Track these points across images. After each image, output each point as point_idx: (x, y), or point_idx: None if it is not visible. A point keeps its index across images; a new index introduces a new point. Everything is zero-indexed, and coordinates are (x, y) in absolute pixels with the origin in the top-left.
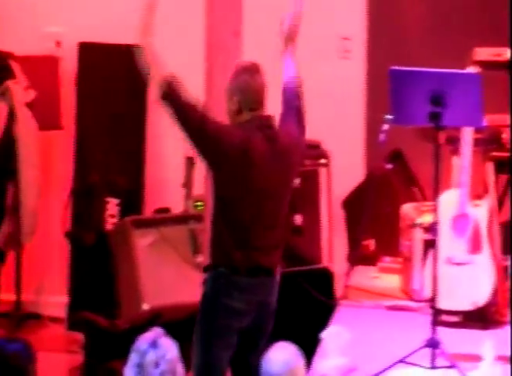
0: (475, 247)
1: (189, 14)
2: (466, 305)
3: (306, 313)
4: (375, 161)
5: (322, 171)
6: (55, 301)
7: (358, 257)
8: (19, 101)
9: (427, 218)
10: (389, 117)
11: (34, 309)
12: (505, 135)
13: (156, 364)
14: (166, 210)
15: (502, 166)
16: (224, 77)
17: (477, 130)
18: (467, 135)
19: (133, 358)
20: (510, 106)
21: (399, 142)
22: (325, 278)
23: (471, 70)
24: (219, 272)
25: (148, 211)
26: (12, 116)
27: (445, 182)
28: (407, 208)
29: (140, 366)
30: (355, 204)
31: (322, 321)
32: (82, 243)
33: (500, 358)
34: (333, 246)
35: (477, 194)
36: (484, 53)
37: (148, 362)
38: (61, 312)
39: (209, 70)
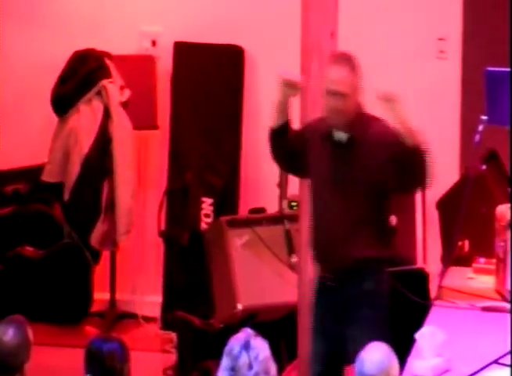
0: None
1: (285, 15)
2: None
3: (401, 314)
4: (470, 162)
5: None
6: (149, 300)
7: (452, 258)
8: (115, 100)
9: None
10: (485, 117)
11: (129, 309)
12: None
13: (250, 366)
14: (261, 210)
15: None
16: (319, 77)
17: None
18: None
19: (226, 361)
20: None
21: (494, 142)
22: (420, 279)
23: None
24: (382, 267)
25: (243, 211)
26: (107, 115)
27: None
28: (502, 209)
29: (234, 370)
30: (449, 204)
31: (417, 322)
32: (177, 242)
33: None
34: (428, 247)
35: None
36: None
37: (241, 365)
38: (155, 311)
39: (305, 72)
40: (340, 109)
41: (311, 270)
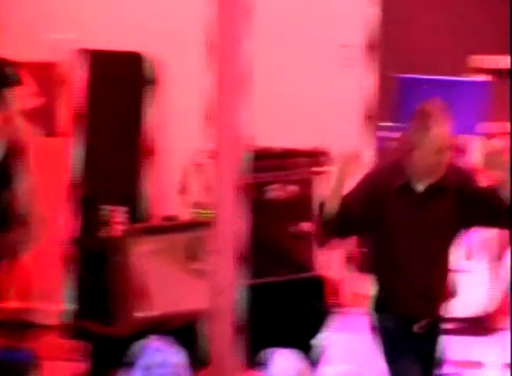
0: (475, 254)
1: (190, 21)
2: (465, 312)
3: (301, 320)
4: None
5: (327, 177)
6: (50, 308)
7: (357, 263)
8: (18, 108)
9: None
10: (390, 124)
11: (32, 318)
12: None
13: (162, 367)
14: (173, 217)
15: None
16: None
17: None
18: (468, 142)
19: (136, 369)
20: (510, 113)
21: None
22: (318, 285)
23: (477, 77)
24: None
25: (155, 219)
26: (8, 123)
27: None
28: None
29: (147, 369)
30: None
31: (316, 328)
32: (88, 250)
33: (501, 365)
34: (336, 253)
35: None
36: (483, 61)
37: (154, 364)
38: (57, 320)
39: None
40: (448, 162)
41: (225, 277)
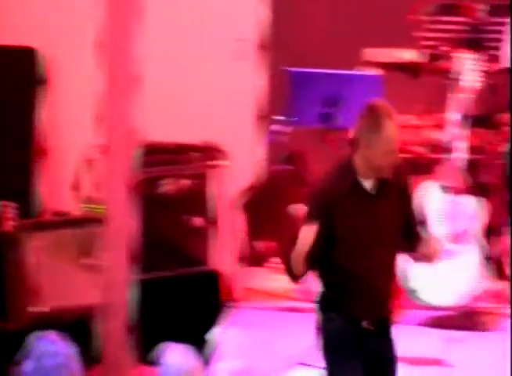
0: None
1: (80, 16)
2: None
3: (195, 315)
4: (275, 163)
5: (220, 172)
6: None
7: (250, 258)
8: None
9: None
10: (281, 117)
11: None
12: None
13: (53, 357)
14: (65, 213)
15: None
16: (121, 77)
17: None
18: None
19: (31, 352)
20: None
21: (300, 143)
22: (212, 280)
23: (368, 70)
24: None
25: (46, 215)
26: None
27: None
28: (304, 209)
29: (38, 359)
30: (252, 205)
31: (210, 322)
32: None
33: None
34: (229, 247)
35: None
36: (377, 54)
37: (45, 354)
38: None
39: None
40: (396, 161)
41: (118, 273)
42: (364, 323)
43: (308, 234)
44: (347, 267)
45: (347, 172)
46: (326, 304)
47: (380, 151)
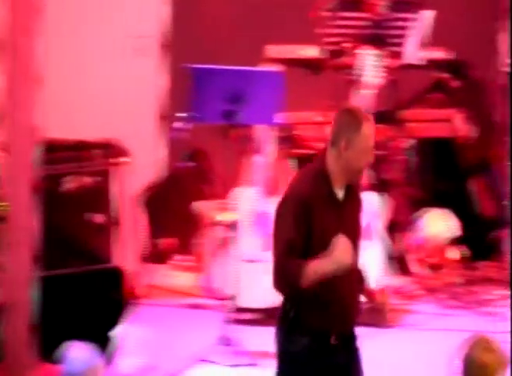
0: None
1: None
2: (263, 302)
3: (98, 312)
4: (177, 160)
5: (121, 169)
6: None
7: (152, 255)
8: None
9: (225, 216)
10: (183, 114)
11: None
12: (298, 133)
13: None
14: None
15: (303, 163)
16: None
17: (279, 128)
18: (262, 132)
19: None
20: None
21: (202, 140)
22: (115, 277)
23: (271, 67)
24: None
25: None
26: None
27: (242, 179)
28: (206, 206)
29: None
30: (154, 202)
31: (113, 320)
32: None
33: None
34: (132, 244)
35: (277, 191)
36: (279, 51)
37: None
38: None
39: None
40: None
41: (20, 270)
42: (332, 339)
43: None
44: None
45: (320, 178)
46: (291, 325)
47: (359, 150)
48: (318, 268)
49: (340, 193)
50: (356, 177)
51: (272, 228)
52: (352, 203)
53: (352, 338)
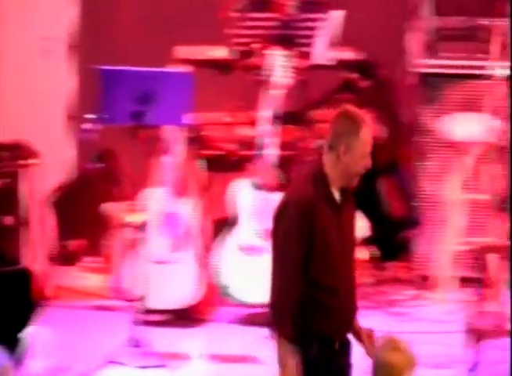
0: (181, 245)
1: None
2: (172, 303)
3: (6, 314)
4: (86, 162)
5: (31, 171)
6: None
7: (61, 256)
8: None
9: (134, 217)
10: (92, 116)
11: None
12: (207, 134)
13: None
14: None
15: (211, 164)
16: None
17: (187, 129)
18: (171, 133)
19: None
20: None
21: (111, 141)
22: (24, 278)
23: (179, 68)
24: None
25: None
26: None
27: (151, 180)
28: (115, 207)
29: None
30: (63, 203)
31: (22, 321)
32: None
33: (207, 356)
34: (41, 246)
35: (185, 192)
36: (188, 52)
37: None
38: None
39: None
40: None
41: None
42: (337, 345)
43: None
44: (324, 282)
45: (320, 182)
46: (300, 334)
47: (358, 154)
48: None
49: (337, 196)
50: (353, 181)
51: (273, 236)
52: (348, 206)
53: (349, 343)
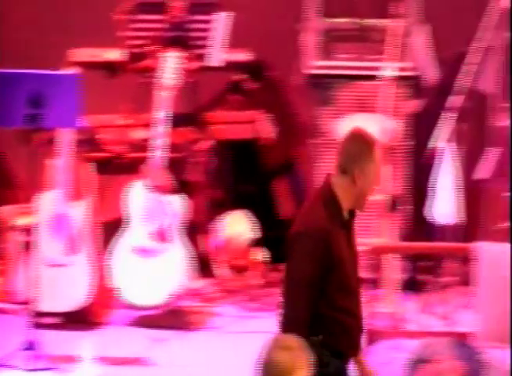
0: (73, 248)
1: None
2: (65, 306)
3: None
4: None
5: None
6: None
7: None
8: None
9: (24, 220)
10: None
11: None
12: (100, 136)
13: None
14: None
15: (103, 166)
16: None
17: (78, 131)
18: (64, 136)
19: None
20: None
21: (4, 144)
22: None
23: (70, 70)
24: None
25: None
26: None
27: (44, 183)
28: (5, 210)
29: None
30: None
31: None
32: None
33: (100, 359)
34: None
35: (77, 195)
36: (81, 54)
37: None
38: None
39: None
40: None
41: None
42: (348, 360)
43: None
44: (342, 303)
45: (331, 206)
46: (322, 348)
47: (372, 177)
48: None
49: (346, 217)
50: (364, 201)
51: (289, 263)
52: (352, 227)
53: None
